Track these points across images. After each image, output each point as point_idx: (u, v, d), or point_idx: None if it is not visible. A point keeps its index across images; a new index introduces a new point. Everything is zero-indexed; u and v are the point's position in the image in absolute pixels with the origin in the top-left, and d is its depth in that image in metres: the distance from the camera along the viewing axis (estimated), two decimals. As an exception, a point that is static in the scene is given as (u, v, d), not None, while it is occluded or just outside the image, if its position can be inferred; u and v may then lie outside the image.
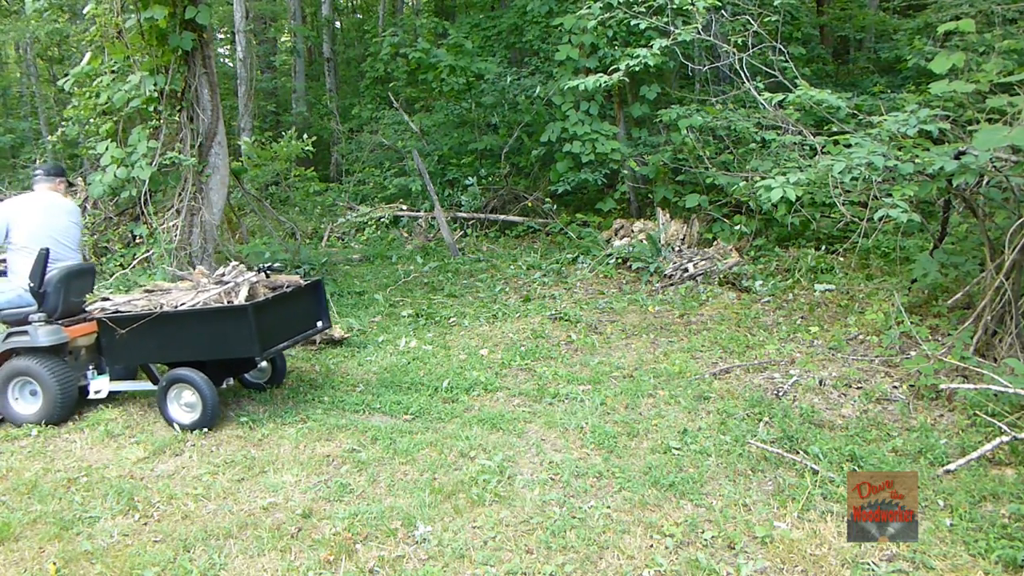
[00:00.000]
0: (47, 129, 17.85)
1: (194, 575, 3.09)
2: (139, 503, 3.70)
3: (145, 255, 7.30)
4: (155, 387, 4.76)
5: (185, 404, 4.57)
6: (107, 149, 7.37)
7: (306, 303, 5.07)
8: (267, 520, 3.49)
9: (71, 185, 6.48)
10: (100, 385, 4.94)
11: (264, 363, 5.11)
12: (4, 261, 5.14)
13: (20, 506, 3.72)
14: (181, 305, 4.55)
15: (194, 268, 6.86)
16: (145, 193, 7.34)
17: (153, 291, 4.86)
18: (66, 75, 8.19)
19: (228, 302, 4.56)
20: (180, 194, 7.41)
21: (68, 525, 3.51)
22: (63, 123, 9.12)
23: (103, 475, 4.02)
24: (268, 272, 4.95)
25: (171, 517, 3.57)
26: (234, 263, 5.03)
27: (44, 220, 5.00)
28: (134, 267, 7.23)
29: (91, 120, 8.02)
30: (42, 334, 4.68)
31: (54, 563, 3.20)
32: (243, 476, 3.94)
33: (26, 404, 4.76)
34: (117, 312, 4.62)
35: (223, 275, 4.87)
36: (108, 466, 4.14)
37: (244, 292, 4.60)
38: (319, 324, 5.14)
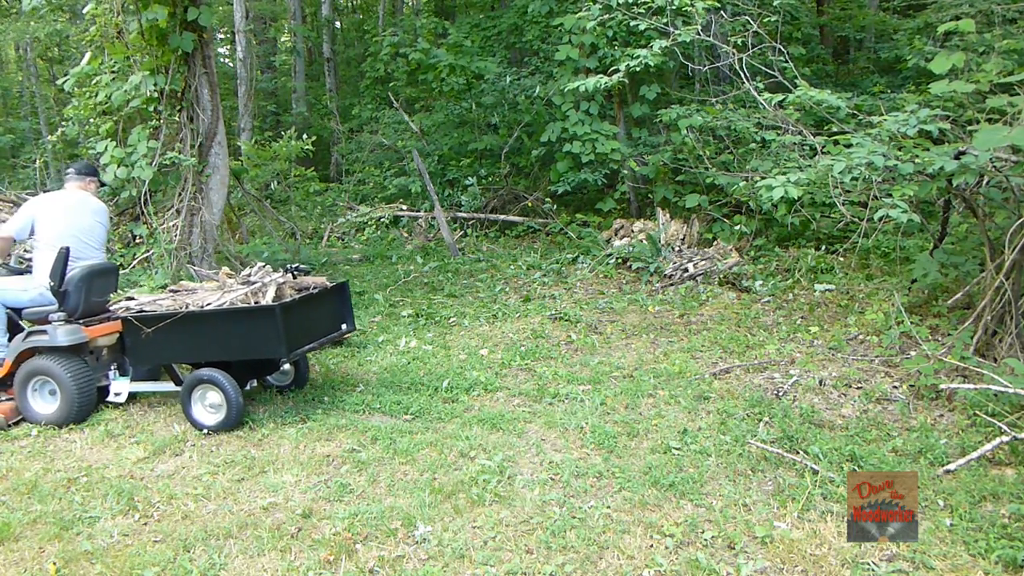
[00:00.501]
0: (47, 129, 17.86)
1: (194, 575, 3.09)
2: (139, 503, 3.70)
3: (145, 255, 7.30)
4: (177, 388, 4.72)
5: (210, 405, 4.52)
6: (107, 149, 7.37)
7: (332, 305, 5.02)
8: (267, 520, 3.49)
9: (103, 185, 6.47)
10: (121, 387, 4.90)
11: (287, 365, 5.08)
12: (30, 259, 5.14)
13: (20, 506, 3.73)
14: (207, 305, 4.52)
15: (194, 268, 6.85)
16: (145, 193, 7.33)
17: (178, 291, 4.85)
18: (66, 75, 8.19)
19: (255, 302, 4.54)
20: (180, 194, 7.41)
21: (68, 525, 3.51)
22: (63, 123, 9.12)
23: (103, 475, 4.02)
24: (295, 273, 4.93)
25: (171, 517, 3.57)
26: (260, 263, 5.00)
27: (69, 218, 4.98)
28: (134, 267, 7.23)
29: (91, 120, 8.02)
30: (61, 334, 4.64)
31: (54, 563, 3.20)
32: (243, 476, 3.94)
33: (44, 404, 4.73)
34: (142, 312, 4.58)
35: (249, 275, 4.86)
36: (108, 466, 4.14)
37: (271, 292, 4.57)
38: (344, 327, 5.10)
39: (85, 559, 3.24)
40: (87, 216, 5.10)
